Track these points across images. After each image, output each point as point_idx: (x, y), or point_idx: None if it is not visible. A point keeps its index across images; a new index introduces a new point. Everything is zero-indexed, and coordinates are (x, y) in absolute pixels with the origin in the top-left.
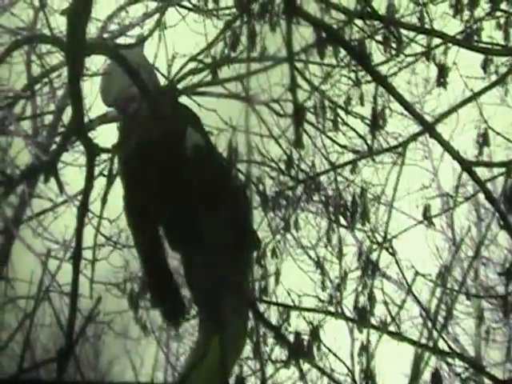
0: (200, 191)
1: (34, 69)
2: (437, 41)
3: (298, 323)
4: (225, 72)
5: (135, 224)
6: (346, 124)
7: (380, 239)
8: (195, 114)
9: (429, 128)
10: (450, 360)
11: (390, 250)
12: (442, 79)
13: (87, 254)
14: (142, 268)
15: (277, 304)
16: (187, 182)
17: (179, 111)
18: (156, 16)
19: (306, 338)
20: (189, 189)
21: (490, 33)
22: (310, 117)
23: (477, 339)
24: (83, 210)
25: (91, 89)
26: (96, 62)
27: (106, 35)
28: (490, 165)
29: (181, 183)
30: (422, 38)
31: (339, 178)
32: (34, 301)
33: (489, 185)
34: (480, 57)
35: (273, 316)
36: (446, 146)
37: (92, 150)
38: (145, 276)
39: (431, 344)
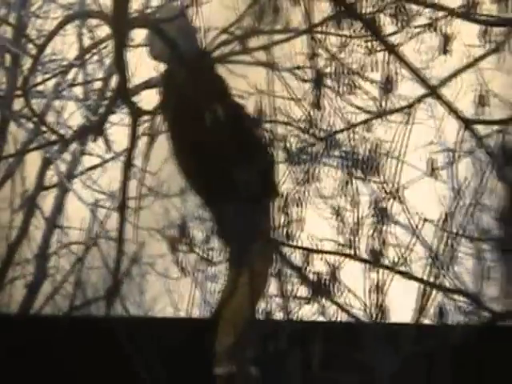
0: (230, 148)
1: (84, 40)
2: (440, 14)
3: (318, 265)
4: (252, 42)
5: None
6: (360, 88)
7: (391, 190)
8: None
9: (434, 91)
10: (453, 296)
11: (400, 199)
12: (445, 48)
13: (131, 203)
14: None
15: (300, 247)
16: (219, 140)
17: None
18: None
19: (325, 277)
20: (220, 146)
21: (488, 6)
22: (328, 82)
23: (477, 277)
24: (128, 164)
25: (135, 58)
26: (139, 34)
27: (148, 10)
28: (488, 122)
29: (213, 142)
30: (427, 12)
31: (354, 136)
32: (84, 246)
33: (487, 140)
34: (478, 27)
35: (296, 258)
36: (449, 107)
37: (135, 112)
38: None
39: (437, 282)
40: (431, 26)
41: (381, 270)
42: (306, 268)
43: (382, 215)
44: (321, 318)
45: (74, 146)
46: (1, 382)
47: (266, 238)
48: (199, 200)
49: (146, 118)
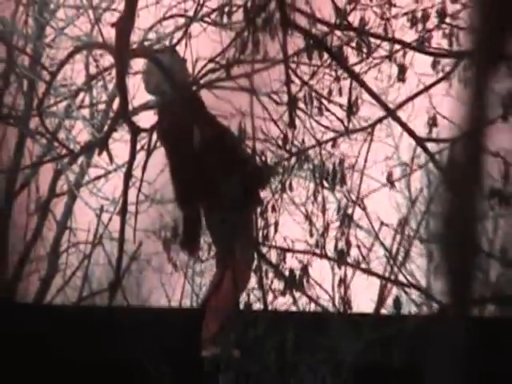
0: (217, 164)
1: (91, 68)
2: (397, 47)
3: (291, 262)
4: (235, 70)
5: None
6: (328, 110)
7: (354, 198)
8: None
9: (391, 113)
10: (407, 289)
11: (362, 206)
12: (401, 76)
13: (131, 208)
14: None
15: (275, 247)
16: (206, 156)
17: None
18: (183, 28)
19: (298, 273)
20: (207, 160)
21: (438, 40)
22: (301, 105)
23: (428, 274)
24: (128, 175)
25: (134, 84)
26: (138, 63)
27: (145, 43)
28: (437, 141)
29: (201, 157)
30: (386, 45)
31: (323, 152)
32: (90, 245)
33: (437, 156)
34: (430, 59)
35: (272, 256)
36: (405, 127)
37: (135, 130)
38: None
39: (393, 277)
40: (389, 57)
41: (345, 267)
42: (280, 265)
43: (346, 220)
44: (293, 308)
45: (81, 159)
46: (17, 364)
47: (246, 239)
48: (190, 207)
49: (143, 135)
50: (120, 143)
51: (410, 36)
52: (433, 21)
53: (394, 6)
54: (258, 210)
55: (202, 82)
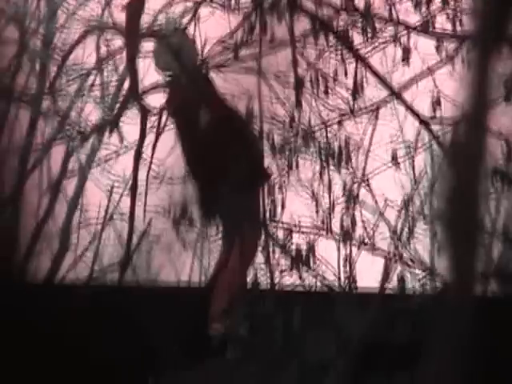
0: (225, 144)
1: (102, 50)
2: (402, 29)
3: (298, 240)
4: (243, 53)
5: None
6: (334, 91)
7: (359, 177)
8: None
9: (396, 94)
10: (411, 268)
11: (367, 186)
12: (405, 58)
13: (141, 187)
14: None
15: (282, 226)
16: (216, 138)
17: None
18: (192, 11)
19: (304, 251)
20: (217, 139)
21: (442, 23)
22: (307, 86)
23: (432, 252)
24: (138, 154)
25: (144, 65)
26: (148, 45)
27: (155, 25)
28: (441, 121)
29: (210, 136)
30: (390, 28)
31: (329, 132)
32: (101, 223)
33: (441, 137)
34: (434, 41)
35: (279, 234)
36: (409, 108)
37: (144, 111)
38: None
39: (398, 256)
40: (393, 39)
41: (351, 245)
42: (287, 243)
43: (352, 199)
44: (300, 286)
45: (92, 139)
46: (29, 341)
47: (254, 218)
48: (199, 184)
49: (153, 115)
50: (130, 123)
51: (414, 19)
52: (437, 4)
53: None
54: (265, 187)
55: (210, 63)
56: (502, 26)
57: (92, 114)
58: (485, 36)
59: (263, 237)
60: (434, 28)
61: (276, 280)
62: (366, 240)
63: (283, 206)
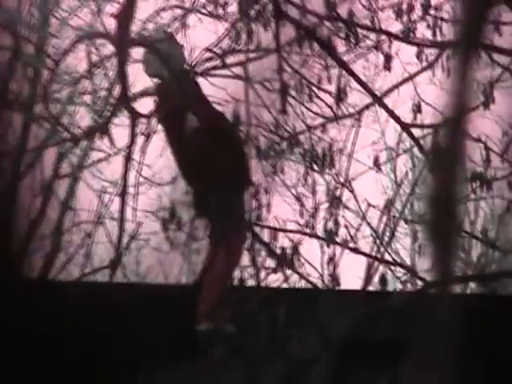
0: (212, 149)
1: (93, 57)
2: (383, 37)
3: (283, 241)
4: (230, 59)
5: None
6: (318, 97)
7: (342, 180)
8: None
9: (378, 100)
10: (392, 267)
11: (350, 188)
12: (387, 65)
13: (131, 190)
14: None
15: (268, 227)
16: (203, 143)
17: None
18: (181, 19)
19: (289, 252)
20: (204, 147)
21: (422, 31)
22: (292, 92)
23: (412, 253)
24: (128, 158)
25: (134, 71)
26: (138, 52)
27: (145, 32)
28: (421, 126)
29: (197, 141)
30: (372, 35)
31: (313, 136)
32: (92, 225)
33: (421, 141)
34: (415, 49)
35: (265, 235)
36: (391, 113)
37: (134, 116)
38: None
39: (380, 256)
40: (376, 47)
41: (334, 246)
42: (272, 244)
43: (335, 201)
44: (284, 285)
45: (83, 143)
46: (23, 336)
47: (240, 219)
48: (187, 187)
49: (142, 120)
50: (120, 128)
51: (396, 27)
52: (417, 13)
53: None
54: (250, 190)
55: (198, 70)
56: (481, 35)
57: (83, 118)
58: (465, 44)
59: (249, 238)
60: (415, 36)
61: (262, 279)
62: (349, 241)
63: (269, 209)
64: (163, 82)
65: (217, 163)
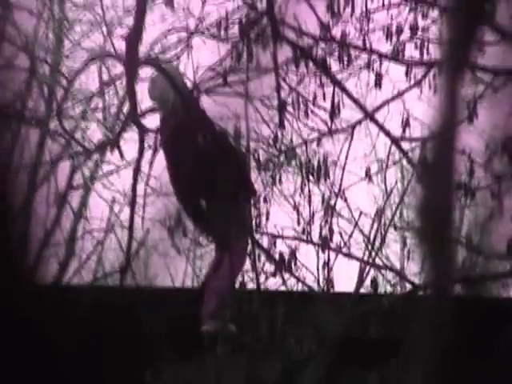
0: (215, 161)
1: (104, 76)
2: (374, 57)
3: (281, 247)
4: (231, 78)
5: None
6: (314, 113)
7: (336, 190)
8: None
9: (369, 115)
10: (383, 271)
11: (343, 198)
12: (378, 83)
13: (140, 200)
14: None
15: (267, 234)
16: (205, 157)
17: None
18: (185, 41)
19: (286, 257)
20: (207, 160)
21: (411, 51)
22: (289, 108)
23: (401, 257)
24: (137, 170)
25: (142, 90)
26: (146, 71)
27: (151, 54)
28: (410, 140)
29: (201, 158)
30: (364, 55)
31: (309, 150)
32: (103, 232)
33: (409, 153)
34: (403, 68)
35: (264, 242)
36: (381, 127)
37: (143, 131)
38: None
39: (371, 261)
40: (367, 66)
41: (329, 252)
42: (271, 249)
43: (329, 210)
44: (283, 288)
45: (95, 156)
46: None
47: (242, 227)
48: (194, 199)
49: (150, 135)
50: (130, 142)
51: (386, 47)
52: (406, 34)
53: (371, 20)
54: (252, 200)
55: (202, 88)
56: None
57: (95, 133)
58: (451, 63)
59: (250, 244)
60: (404, 56)
61: (261, 282)
62: (343, 246)
63: (268, 217)
64: (167, 105)
65: (220, 175)
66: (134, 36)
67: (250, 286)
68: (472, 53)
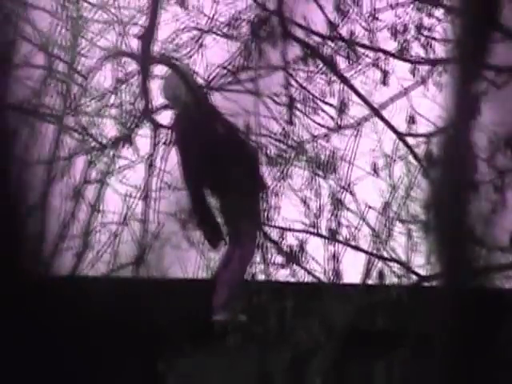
0: (226, 157)
1: (118, 73)
2: (381, 55)
3: (290, 240)
4: (242, 75)
5: (187, 181)
6: (322, 109)
7: (344, 185)
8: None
9: (376, 112)
10: (389, 263)
11: (351, 192)
12: (384, 80)
13: (153, 194)
14: (191, 206)
15: (277, 227)
16: (218, 151)
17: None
18: (197, 40)
19: (296, 249)
20: (219, 155)
21: (416, 49)
22: (298, 105)
23: (407, 250)
24: (150, 165)
25: (155, 87)
26: (160, 69)
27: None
28: (415, 135)
29: (214, 152)
30: (371, 53)
31: (317, 145)
32: (118, 225)
33: (415, 149)
34: (409, 65)
35: (274, 234)
36: (387, 124)
37: (156, 127)
38: (194, 212)
39: (378, 253)
40: (374, 64)
41: (336, 244)
42: (281, 242)
43: (337, 204)
44: (292, 279)
45: (110, 152)
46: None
47: (252, 220)
48: (205, 192)
49: (163, 131)
50: (144, 138)
51: (392, 46)
52: (411, 33)
53: (378, 19)
54: (263, 194)
55: (213, 85)
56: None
57: (110, 129)
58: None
59: (260, 237)
60: (410, 54)
61: (271, 274)
62: (350, 239)
63: (277, 210)
64: (179, 103)
65: (231, 170)
66: (148, 35)
67: (260, 277)
68: (485, 54)
